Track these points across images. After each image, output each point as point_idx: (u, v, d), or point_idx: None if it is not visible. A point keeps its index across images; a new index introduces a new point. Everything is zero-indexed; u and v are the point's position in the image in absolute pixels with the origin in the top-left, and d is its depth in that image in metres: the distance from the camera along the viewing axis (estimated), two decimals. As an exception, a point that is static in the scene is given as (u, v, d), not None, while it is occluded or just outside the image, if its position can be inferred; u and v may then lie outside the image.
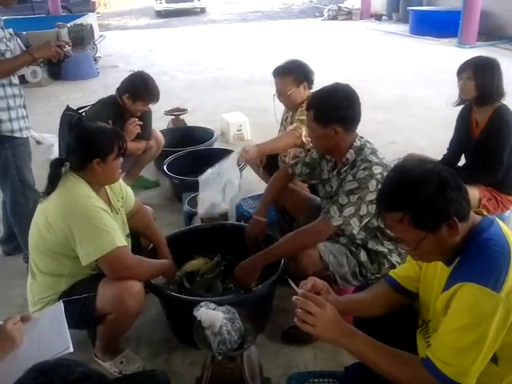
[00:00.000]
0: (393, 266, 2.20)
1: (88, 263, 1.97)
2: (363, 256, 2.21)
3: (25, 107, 2.85)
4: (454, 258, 1.38)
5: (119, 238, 2.00)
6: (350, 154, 2.16)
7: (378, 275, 2.22)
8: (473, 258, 1.32)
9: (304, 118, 2.61)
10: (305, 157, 2.51)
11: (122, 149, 2.11)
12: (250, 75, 8.02)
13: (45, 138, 4.98)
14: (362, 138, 2.21)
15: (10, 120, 2.70)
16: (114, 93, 3.59)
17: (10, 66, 2.64)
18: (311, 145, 2.57)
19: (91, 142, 2.05)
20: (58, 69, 7.92)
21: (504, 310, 1.24)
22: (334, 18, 14.60)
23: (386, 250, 2.21)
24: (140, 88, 3.45)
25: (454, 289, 1.31)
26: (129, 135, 3.41)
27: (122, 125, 3.48)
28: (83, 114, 3.57)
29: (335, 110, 2.08)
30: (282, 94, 3.01)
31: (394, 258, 2.22)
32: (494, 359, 1.33)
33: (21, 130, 2.76)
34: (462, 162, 3.07)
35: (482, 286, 1.25)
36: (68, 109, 3.61)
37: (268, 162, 3.18)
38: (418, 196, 1.30)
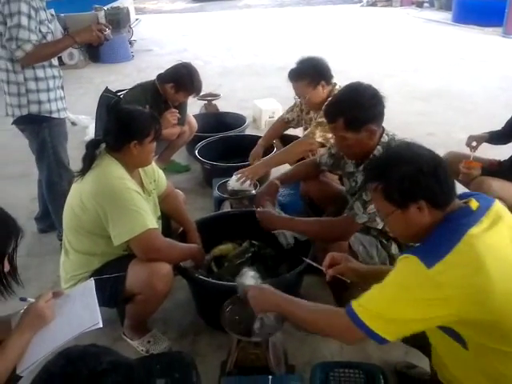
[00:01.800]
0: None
1: (119, 243, 2.00)
2: (394, 249, 2.17)
3: (62, 88, 2.90)
4: (420, 238, 1.45)
5: (150, 220, 2.02)
6: (378, 151, 2.09)
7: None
8: (428, 239, 1.40)
9: (323, 120, 2.55)
10: (332, 147, 2.48)
11: (158, 133, 2.14)
12: (285, 62, 7.89)
13: (80, 120, 5.06)
14: (389, 132, 2.14)
15: (49, 101, 2.75)
16: (154, 78, 3.61)
17: (52, 50, 2.71)
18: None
19: (131, 124, 2.07)
20: (96, 51, 8.05)
21: (428, 286, 1.30)
22: (374, 4, 14.26)
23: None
24: (186, 80, 3.48)
25: (401, 257, 1.41)
26: (165, 124, 3.43)
27: (158, 112, 3.51)
28: (121, 96, 3.61)
29: (367, 111, 2.00)
30: (300, 97, 2.99)
31: None
32: (462, 341, 1.39)
33: (58, 110, 2.82)
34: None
35: (419, 259, 1.33)
36: (107, 90, 3.67)
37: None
38: (393, 172, 1.41)
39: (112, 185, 2.01)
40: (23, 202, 3.61)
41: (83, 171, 2.09)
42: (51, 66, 2.78)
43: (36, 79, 2.71)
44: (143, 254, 2.03)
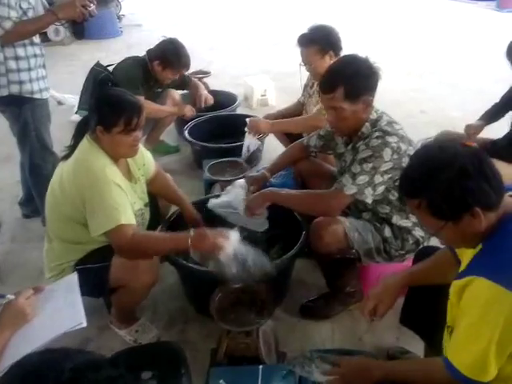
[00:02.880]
0: (417, 242, 2.14)
1: (94, 236, 1.93)
2: (387, 232, 2.12)
3: (44, 67, 2.79)
4: (478, 244, 1.32)
5: (125, 215, 1.90)
6: (366, 128, 2.04)
7: (401, 251, 2.14)
8: (493, 250, 1.26)
9: None
10: (320, 130, 2.42)
11: (131, 125, 1.93)
12: (278, 38, 7.76)
13: (66, 99, 4.94)
14: (378, 110, 2.09)
15: (31, 81, 2.65)
16: (144, 55, 3.51)
17: (33, 27, 2.59)
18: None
19: (98, 108, 1.97)
20: (81, 28, 7.84)
21: None
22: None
23: (410, 225, 2.11)
24: (171, 56, 3.39)
25: (465, 281, 1.27)
26: (186, 113, 3.65)
27: (147, 88, 3.46)
28: (111, 71, 3.51)
29: (365, 80, 1.95)
30: (306, 64, 2.89)
31: (418, 233, 2.13)
32: None
33: (40, 90, 2.71)
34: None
35: (495, 283, 1.18)
36: (98, 64, 3.57)
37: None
38: (434, 184, 1.24)
39: (91, 174, 1.91)
40: (7, 186, 3.52)
41: (68, 153, 2.01)
42: (32, 44, 2.65)
43: (16, 58, 2.58)
44: (118, 250, 1.93)
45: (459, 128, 3.03)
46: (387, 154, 1.93)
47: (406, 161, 1.93)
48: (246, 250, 1.81)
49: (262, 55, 6.88)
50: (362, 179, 1.94)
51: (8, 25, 2.43)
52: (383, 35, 7.68)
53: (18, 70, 2.60)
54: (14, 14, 2.44)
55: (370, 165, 1.94)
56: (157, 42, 3.54)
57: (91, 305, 2.30)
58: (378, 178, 1.94)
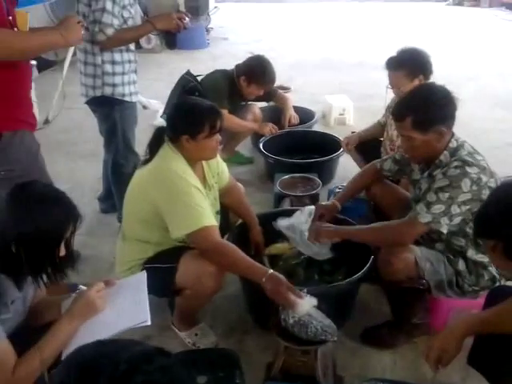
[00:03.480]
0: (493, 279, 2.01)
1: (176, 237, 1.99)
2: (461, 265, 2.01)
3: (136, 72, 2.93)
4: None
5: (207, 217, 1.97)
6: (445, 156, 1.97)
7: (475, 287, 2.02)
8: None
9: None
10: (395, 153, 2.35)
11: (216, 128, 2.03)
12: (361, 58, 7.69)
13: (151, 104, 5.14)
14: (458, 138, 2.01)
15: (123, 84, 2.78)
16: (233, 68, 3.61)
17: (132, 35, 2.76)
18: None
19: (183, 117, 2.03)
20: (173, 38, 8.17)
21: None
22: (460, 3, 13.47)
23: (486, 260, 1.99)
24: (257, 72, 3.47)
25: None
26: (264, 131, 3.71)
27: (233, 104, 3.55)
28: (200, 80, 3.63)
29: (437, 111, 1.90)
30: (394, 87, 2.82)
31: (494, 269, 2.01)
32: None
33: (131, 94, 2.85)
34: None
35: None
36: (188, 73, 3.69)
37: (368, 150, 3.02)
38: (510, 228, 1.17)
39: (171, 178, 1.98)
40: (90, 182, 3.71)
41: (148, 158, 2.08)
42: (128, 50, 2.80)
43: (113, 62, 2.74)
44: (202, 252, 1.98)
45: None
46: (466, 184, 1.84)
47: (486, 193, 1.84)
48: (316, 315, 1.76)
49: (344, 74, 6.84)
50: (438, 208, 1.87)
51: (110, 32, 2.58)
52: (473, 63, 7.39)
53: (113, 74, 2.75)
54: (116, 22, 2.60)
55: (447, 194, 1.86)
56: (241, 55, 3.64)
57: (155, 304, 2.35)
58: (454, 209, 1.86)
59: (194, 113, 2.02)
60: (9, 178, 1.92)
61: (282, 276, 1.86)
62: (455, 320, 1.62)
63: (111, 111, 2.82)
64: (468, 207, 1.87)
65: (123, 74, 2.78)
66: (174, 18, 2.72)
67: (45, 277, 1.52)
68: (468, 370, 1.89)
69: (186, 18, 2.78)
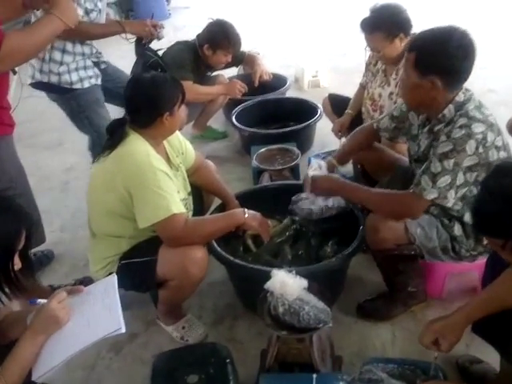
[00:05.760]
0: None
1: (143, 227, 1.86)
2: (457, 230, 1.89)
3: (89, 58, 2.75)
4: None
5: (176, 204, 1.85)
6: (449, 111, 1.80)
7: (473, 252, 1.92)
8: None
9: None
10: (394, 109, 2.19)
11: (184, 96, 1.98)
12: (333, 15, 7.43)
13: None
14: (468, 90, 1.83)
15: (69, 72, 2.62)
16: (194, 39, 3.40)
17: (98, 32, 2.64)
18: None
19: (159, 96, 1.89)
20: (129, 11, 7.86)
21: None
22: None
23: None
24: (220, 37, 3.25)
25: None
26: (232, 93, 3.46)
27: (198, 74, 3.35)
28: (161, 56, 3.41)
29: (444, 58, 1.71)
30: (374, 51, 2.63)
31: None
32: None
33: (81, 80, 2.67)
34: None
35: None
36: (148, 48, 3.43)
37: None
38: None
39: (137, 164, 1.84)
40: (57, 173, 3.53)
41: (108, 151, 1.92)
42: (83, 43, 2.65)
43: (63, 51, 2.58)
44: (168, 241, 1.88)
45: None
46: (471, 147, 1.70)
47: (494, 154, 1.72)
48: (307, 298, 1.64)
49: (313, 35, 6.60)
50: (444, 181, 1.73)
51: None
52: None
53: (61, 63, 2.59)
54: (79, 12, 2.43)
55: (452, 161, 1.71)
56: (204, 25, 3.40)
57: (139, 299, 2.25)
58: (460, 178, 1.73)
59: (167, 87, 1.92)
60: None
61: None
62: (453, 313, 1.50)
63: (64, 100, 2.68)
64: (475, 174, 1.73)
65: (70, 63, 2.61)
66: (148, 25, 2.75)
67: (0, 293, 1.38)
68: (472, 334, 1.81)
69: (161, 29, 2.82)
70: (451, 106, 1.80)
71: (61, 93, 2.64)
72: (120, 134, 1.92)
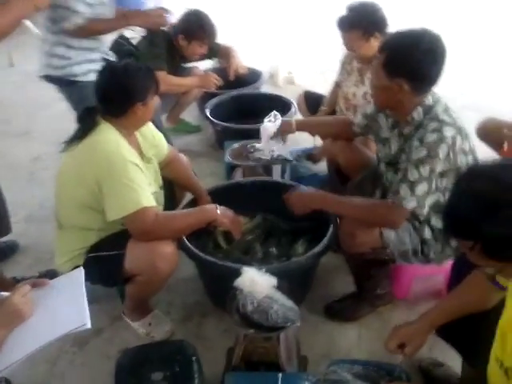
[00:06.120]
0: (459, 247, 1.92)
1: (112, 220, 1.82)
2: (427, 233, 1.91)
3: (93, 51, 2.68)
4: None
5: (146, 197, 1.82)
6: (417, 113, 1.81)
7: (441, 255, 1.94)
8: None
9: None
10: (367, 107, 2.19)
11: (158, 85, 1.96)
12: (309, 11, 7.41)
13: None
14: (434, 93, 1.84)
15: (71, 65, 2.58)
16: (168, 29, 3.32)
17: (103, 27, 2.58)
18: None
19: (132, 86, 1.85)
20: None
21: None
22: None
23: None
24: (195, 27, 3.20)
25: None
26: (207, 85, 3.39)
27: (172, 65, 3.30)
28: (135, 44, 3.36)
29: (411, 62, 1.70)
30: (350, 50, 2.64)
31: None
32: None
33: (85, 74, 2.62)
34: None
35: None
36: (121, 37, 3.38)
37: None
38: (491, 226, 1.06)
39: (106, 154, 1.80)
40: (24, 163, 3.42)
41: (78, 140, 1.87)
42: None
43: (68, 46, 2.53)
44: (137, 235, 1.84)
45: (502, 114, 2.65)
46: (443, 151, 1.70)
47: (462, 159, 1.74)
48: (276, 297, 1.63)
49: (289, 32, 6.58)
50: (421, 189, 1.73)
51: (78, 20, 2.40)
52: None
53: (63, 57, 2.55)
54: (81, 9, 2.40)
55: (427, 167, 1.71)
56: (180, 15, 3.35)
57: (104, 293, 2.21)
58: (435, 184, 1.74)
59: (140, 76, 1.88)
60: None
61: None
62: (418, 319, 1.53)
63: (70, 93, 2.63)
64: (446, 179, 1.75)
65: (73, 57, 2.56)
66: (152, 16, 2.72)
67: None
68: (435, 338, 1.84)
69: (168, 14, 2.78)
70: (420, 109, 1.80)
71: (66, 85, 2.60)
72: (90, 123, 1.87)
